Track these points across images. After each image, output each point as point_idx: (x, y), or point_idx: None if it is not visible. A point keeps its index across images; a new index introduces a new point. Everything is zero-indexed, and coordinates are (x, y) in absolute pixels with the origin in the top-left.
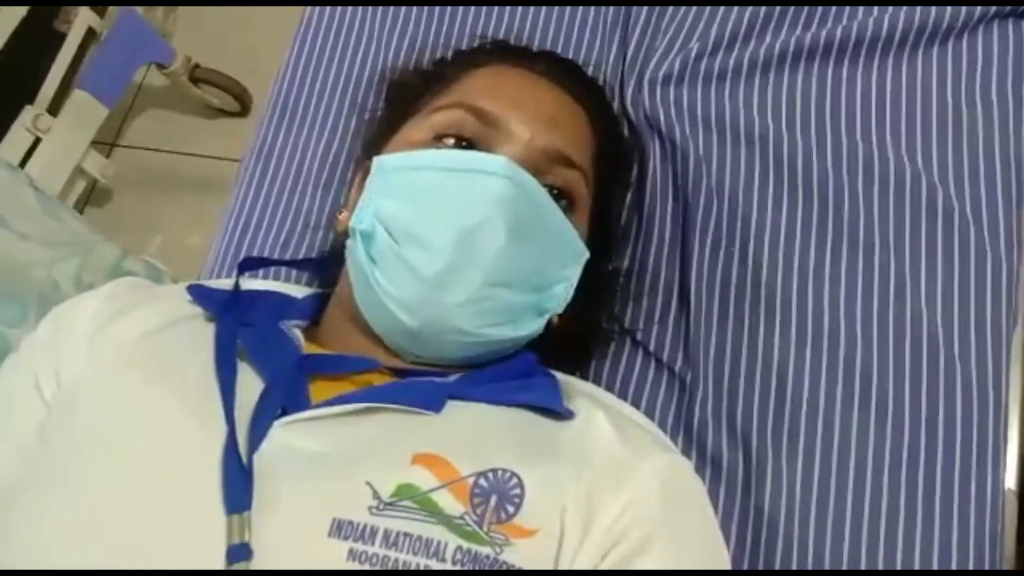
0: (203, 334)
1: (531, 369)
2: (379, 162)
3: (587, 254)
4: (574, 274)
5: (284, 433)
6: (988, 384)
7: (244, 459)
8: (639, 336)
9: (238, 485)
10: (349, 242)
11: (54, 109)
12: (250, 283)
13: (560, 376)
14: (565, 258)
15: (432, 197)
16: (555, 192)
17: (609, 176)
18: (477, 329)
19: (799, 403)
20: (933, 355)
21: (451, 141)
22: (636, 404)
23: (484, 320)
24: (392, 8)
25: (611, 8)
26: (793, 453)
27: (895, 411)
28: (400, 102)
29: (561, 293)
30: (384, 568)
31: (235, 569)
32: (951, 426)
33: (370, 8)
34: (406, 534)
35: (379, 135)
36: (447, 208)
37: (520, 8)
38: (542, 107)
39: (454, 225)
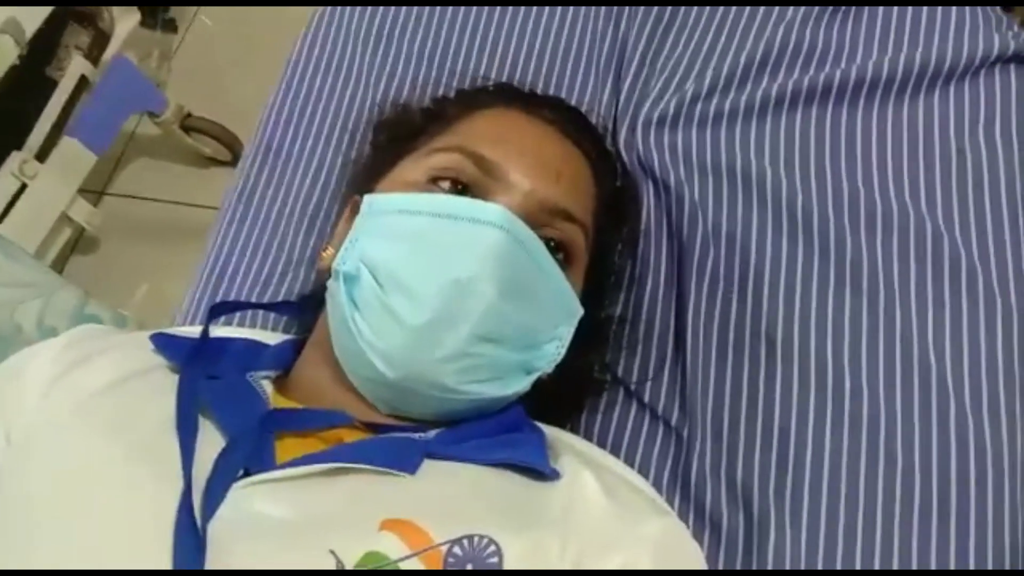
0: (166, 387)
1: (517, 423)
2: (370, 201)
3: (581, 312)
4: (567, 333)
5: (244, 496)
6: (1003, 439)
7: (199, 524)
8: (633, 387)
9: (189, 553)
10: (331, 283)
11: (42, 156)
12: (222, 330)
13: (547, 430)
14: (558, 316)
15: (423, 244)
16: (552, 246)
17: (608, 230)
18: (460, 385)
19: (803, 458)
20: (943, 408)
21: (447, 185)
22: (629, 460)
23: (468, 377)
24: (381, 50)
25: (604, 49)
26: (797, 513)
27: (904, 468)
28: (396, 139)
29: (552, 352)
30: None
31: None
32: (964, 483)
33: (359, 50)
34: None
35: (371, 171)
36: (438, 257)
37: (512, 48)
38: (545, 157)
39: (444, 276)
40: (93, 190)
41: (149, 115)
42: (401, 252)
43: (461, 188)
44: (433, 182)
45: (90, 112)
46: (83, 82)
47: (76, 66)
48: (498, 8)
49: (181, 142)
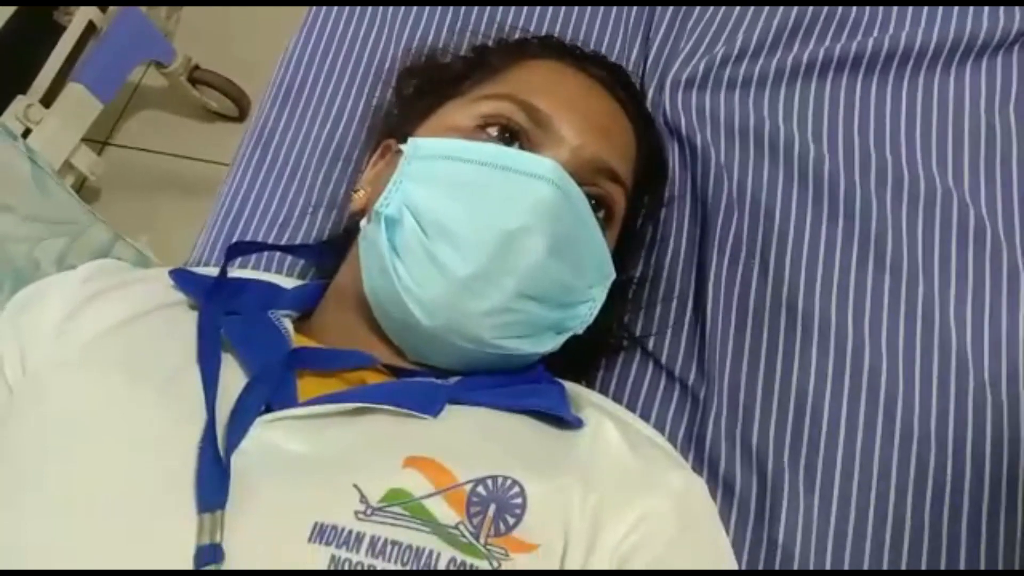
0: (184, 322)
1: (537, 376)
2: (415, 144)
3: (614, 275)
4: (600, 295)
5: (267, 431)
6: (1020, 413)
7: (223, 455)
8: (650, 346)
9: (213, 481)
10: (366, 225)
11: (47, 101)
12: (236, 272)
13: (567, 384)
14: (594, 276)
15: (472, 192)
16: (594, 204)
17: (644, 192)
18: (495, 340)
19: (819, 425)
20: (962, 381)
21: (495, 132)
22: (644, 418)
23: (505, 332)
24: None
25: (634, 8)
26: (811, 479)
27: (921, 438)
28: (438, 83)
29: (584, 313)
30: None
31: (206, 570)
32: (980, 457)
33: None
34: (394, 542)
35: (408, 115)
36: (488, 207)
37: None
38: (595, 114)
39: (493, 227)
40: (96, 140)
41: (156, 65)
42: (448, 199)
43: (509, 136)
44: (481, 129)
45: (97, 59)
46: (91, 28)
47: (84, 11)
48: None
49: (187, 95)
